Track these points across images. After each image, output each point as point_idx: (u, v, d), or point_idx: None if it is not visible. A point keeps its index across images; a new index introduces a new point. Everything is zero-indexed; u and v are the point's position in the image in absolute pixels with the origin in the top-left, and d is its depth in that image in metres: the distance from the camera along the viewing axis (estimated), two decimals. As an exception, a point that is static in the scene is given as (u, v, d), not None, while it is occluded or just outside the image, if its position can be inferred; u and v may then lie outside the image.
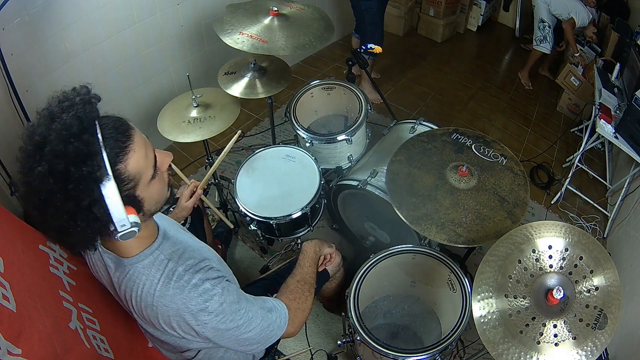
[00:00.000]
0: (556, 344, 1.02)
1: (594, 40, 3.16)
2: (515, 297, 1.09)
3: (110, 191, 0.73)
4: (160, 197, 0.89)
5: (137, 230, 0.80)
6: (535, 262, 1.12)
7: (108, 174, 0.73)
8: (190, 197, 1.49)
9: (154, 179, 0.84)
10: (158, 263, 0.91)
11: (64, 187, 0.70)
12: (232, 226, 1.38)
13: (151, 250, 0.91)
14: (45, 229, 0.79)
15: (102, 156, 0.72)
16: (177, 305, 0.88)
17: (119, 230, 0.78)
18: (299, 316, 1.14)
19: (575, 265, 1.10)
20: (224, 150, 1.58)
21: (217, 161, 1.62)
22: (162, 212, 1.08)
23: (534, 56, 3.45)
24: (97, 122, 0.74)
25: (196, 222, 1.62)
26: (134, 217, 0.79)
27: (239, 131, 1.65)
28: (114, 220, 0.76)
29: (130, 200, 0.80)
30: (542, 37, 3.29)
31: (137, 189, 0.81)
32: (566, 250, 1.11)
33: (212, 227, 2.19)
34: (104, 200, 0.73)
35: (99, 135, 0.73)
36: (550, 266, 1.11)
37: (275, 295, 1.19)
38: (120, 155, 0.76)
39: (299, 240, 2.09)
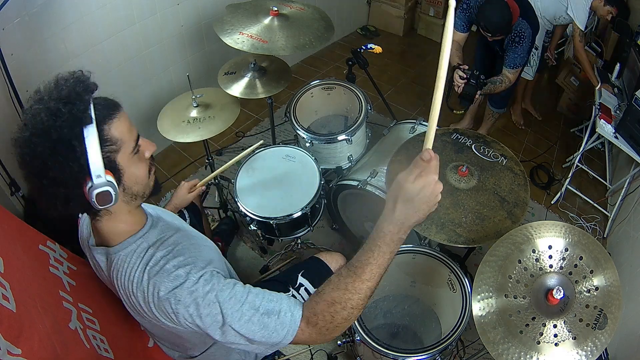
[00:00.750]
0: (556, 344, 1.02)
1: (615, 12, 2.54)
2: (515, 297, 1.09)
3: (91, 135, 0.77)
4: (141, 178, 0.90)
5: (112, 193, 0.81)
6: (535, 262, 1.12)
7: (92, 121, 0.78)
8: (191, 191, 1.54)
9: (136, 155, 0.87)
10: (140, 250, 0.90)
11: (53, 124, 0.75)
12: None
13: (135, 238, 0.91)
14: (31, 192, 0.83)
15: (89, 106, 0.78)
16: (151, 291, 0.85)
17: (95, 183, 0.78)
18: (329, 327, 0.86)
19: (575, 265, 1.10)
20: (244, 154, 1.67)
21: (229, 163, 1.57)
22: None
23: (519, 88, 2.97)
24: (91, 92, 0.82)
25: (195, 222, 1.63)
26: (110, 178, 0.81)
27: (261, 141, 1.71)
28: (90, 168, 0.77)
29: (110, 164, 0.82)
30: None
31: (117, 154, 0.83)
32: (566, 250, 1.11)
33: (212, 227, 2.20)
34: (84, 142, 0.77)
35: (91, 97, 0.81)
36: (550, 266, 1.11)
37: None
38: (107, 118, 0.82)
39: (299, 241, 2.09)
